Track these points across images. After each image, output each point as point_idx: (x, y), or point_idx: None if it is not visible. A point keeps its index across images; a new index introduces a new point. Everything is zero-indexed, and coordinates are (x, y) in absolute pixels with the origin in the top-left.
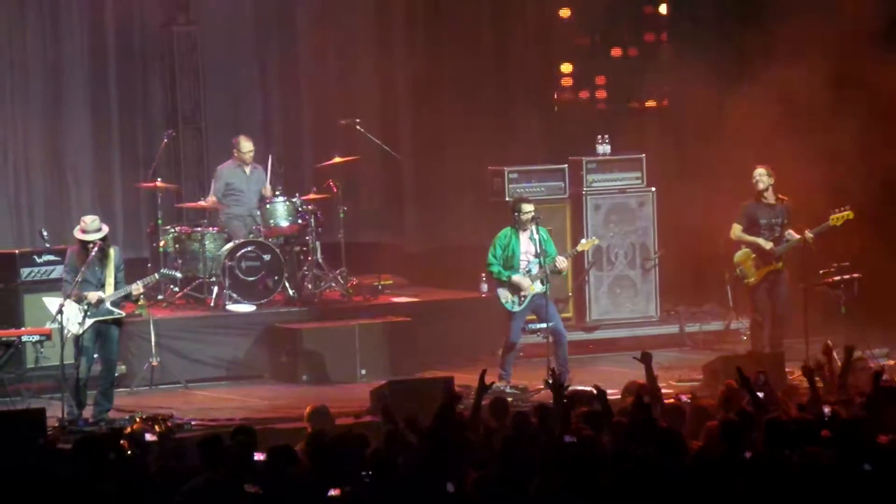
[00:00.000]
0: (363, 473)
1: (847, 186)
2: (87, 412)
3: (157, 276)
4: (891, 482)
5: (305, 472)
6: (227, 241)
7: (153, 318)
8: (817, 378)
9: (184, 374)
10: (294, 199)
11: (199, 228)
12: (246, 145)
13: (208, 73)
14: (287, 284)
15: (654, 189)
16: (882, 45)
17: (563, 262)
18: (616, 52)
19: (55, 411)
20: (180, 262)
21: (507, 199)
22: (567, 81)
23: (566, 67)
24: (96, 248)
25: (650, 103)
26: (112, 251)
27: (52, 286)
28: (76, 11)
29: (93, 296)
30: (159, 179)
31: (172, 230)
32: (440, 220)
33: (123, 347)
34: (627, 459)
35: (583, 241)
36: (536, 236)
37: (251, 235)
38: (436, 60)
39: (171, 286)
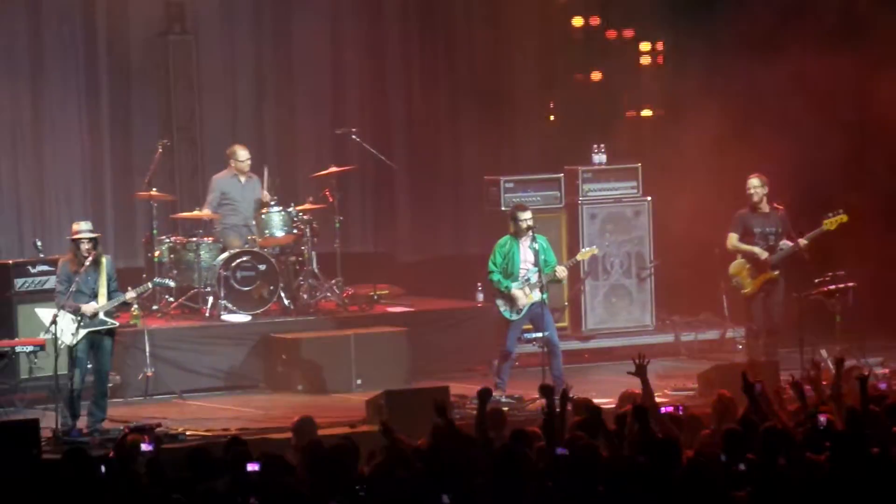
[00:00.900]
0: (357, 488)
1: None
2: (82, 423)
3: (150, 284)
4: (882, 492)
5: (301, 482)
6: (223, 250)
7: (147, 329)
8: (808, 387)
9: (178, 384)
10: (290, 209)
11: (194, 238)
12: (242, 154)
13: (203, 83)
14: (282, 294)
15: (649, 198)
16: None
17: (562, 272)
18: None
19: (49, 422)
20: (175, 272)
21: (502, 208)
22: (563, 91)
23: (564, 74)
24: (90, 258)
25: (646, 112)
26: (104, 260)
27: (46, 297)
28: (71, 20)
29: (88, 307)
30: (154, 189)
31: (167, 240)
32: (436, 229)
33: (118, 358)
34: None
35: (583, 250)
36: (535, 245)
37: (247, 245)
38: (431, 70)
39: (166, 296)
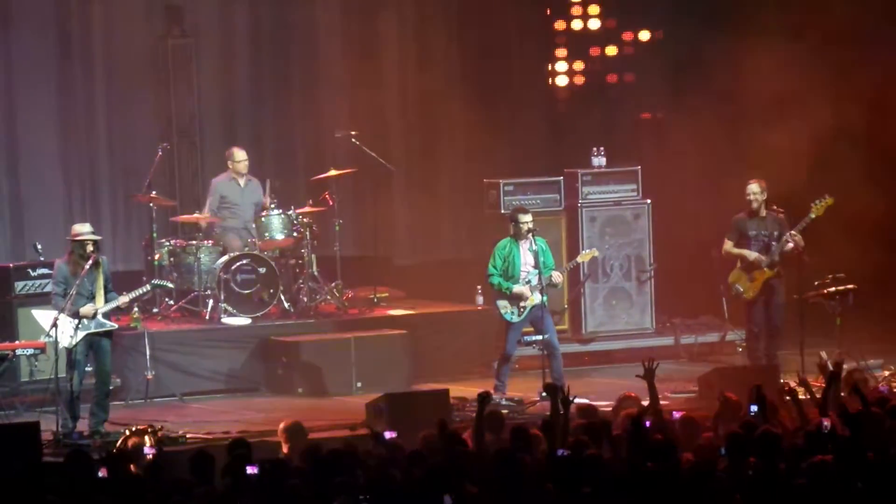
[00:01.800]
0: (360, 498)
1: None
2: (82, 425)
3: (148, 286)
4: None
5: (301, 485)
6: (223, 254)
7: (148, 332)
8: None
9: (179, 387)
10: (289, 212)
11: (193, 241)
12: (239, 155)
13: (203, 86)
14: (282, 297)
15: (649, 201)
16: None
17: (558, 277)
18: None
19: (49, 425)
20: (175, 275)
21: (502, 211)
22: (563, 94)
23: (562, 80)
24: (92, 260)
25: (645, 115)
26: (101, 261)
27: (46, 300)
28: (69, 24)
29: (87, 309)
30: (154, 192)
31: (167, 243)
32: (435, 232)
33: (119, 361)
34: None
35: (583, 251)
36: (535, 247)
37: (246, 248)
38: (430, 73)
39: (167, 299)
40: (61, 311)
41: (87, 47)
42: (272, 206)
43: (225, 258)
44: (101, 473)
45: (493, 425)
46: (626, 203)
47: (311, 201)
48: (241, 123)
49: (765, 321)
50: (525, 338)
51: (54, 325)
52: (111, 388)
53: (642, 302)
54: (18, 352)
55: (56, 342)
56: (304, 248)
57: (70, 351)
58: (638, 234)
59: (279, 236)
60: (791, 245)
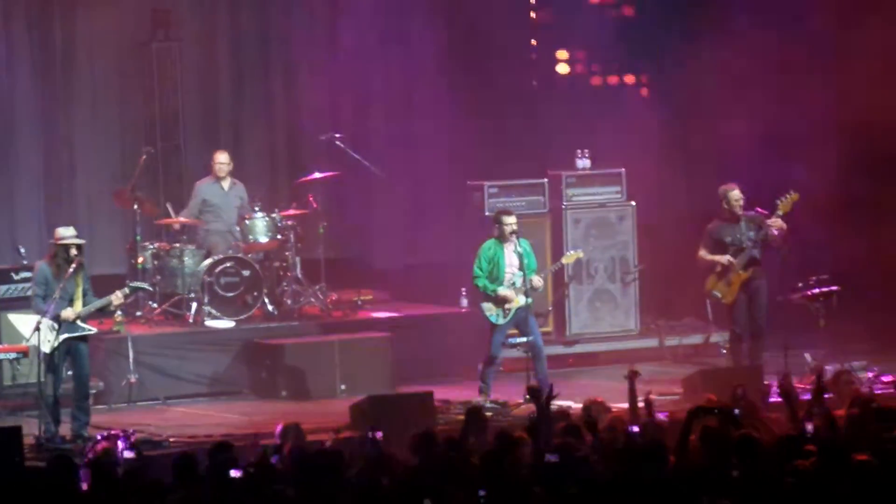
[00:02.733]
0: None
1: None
2: (64, 429)
3: (127, 289)
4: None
5: (286, 488)
6: (206, 256)
7: (131, 335)
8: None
9: (162, 390)
10: (273, 215)
11: (177, 245)
12: (220, 157)
13: (188, 90)
14: (266, 300)
15: (633, 203)
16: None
17: (538, 282)
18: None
19: (32, 429)
20: (159, 278)
21: (486, 213)
22: (548, 95)
23: (547, 81)
24: (75, 264)
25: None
26: (83, 266)
27: (28, 303)
28: (53, 27)
29: (68, 313)
30: (138, 195)
31: (151, 246)
32: (419, 235)
33: (102, 364)
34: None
35: (568, 252)
36: (520, 249)
37: (230, 251)
38: (414, 75)
39: (150, 302)
40: (43, 314)
41: (71, 51)
42: (256, 208)
43: (209, 261)
44: (84, 477)
45: (476, 427)
46: (611, 205)
47: (295, 204)
48: (226, 126)
49: (748, 323)
50: (510, 340)
51: (37, 328)
52: (92, 391)
53: (626, 304)
54: (1, 356)
55: (38, 346)
56: (288, 250)
57: (50, 355)
58: (622, 236)
59: (263, 239)
60: (775, 232)
